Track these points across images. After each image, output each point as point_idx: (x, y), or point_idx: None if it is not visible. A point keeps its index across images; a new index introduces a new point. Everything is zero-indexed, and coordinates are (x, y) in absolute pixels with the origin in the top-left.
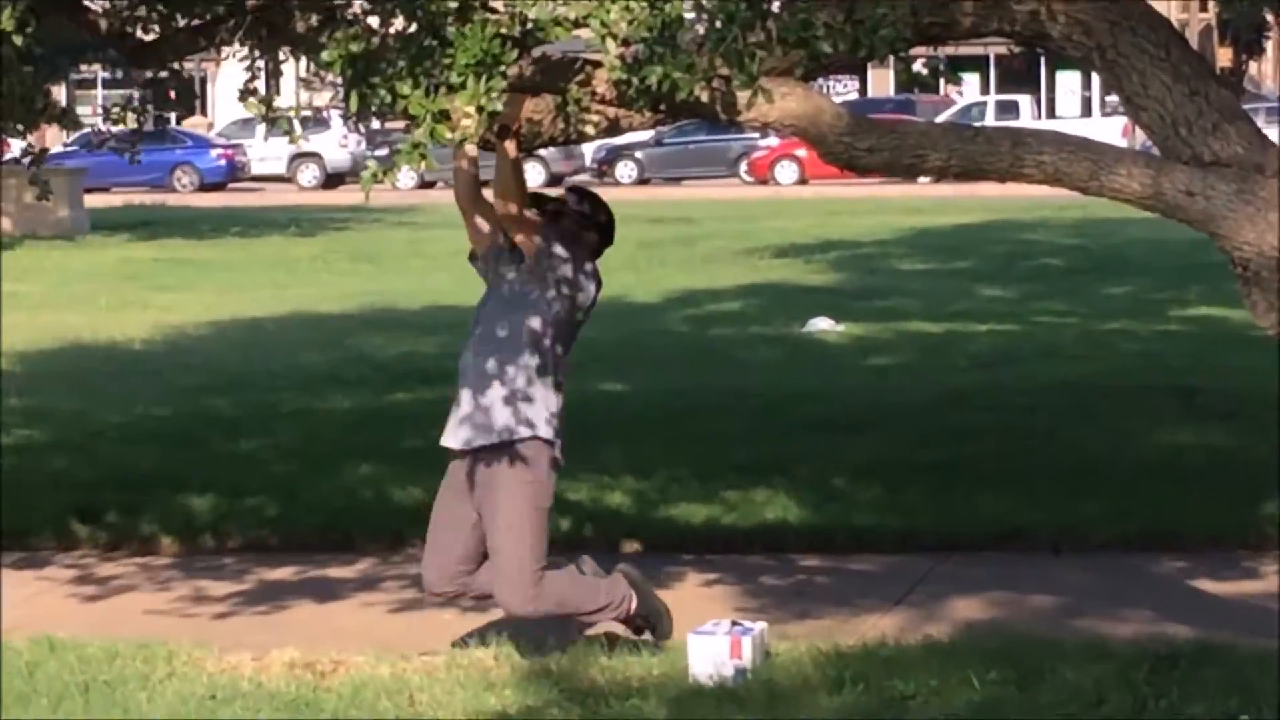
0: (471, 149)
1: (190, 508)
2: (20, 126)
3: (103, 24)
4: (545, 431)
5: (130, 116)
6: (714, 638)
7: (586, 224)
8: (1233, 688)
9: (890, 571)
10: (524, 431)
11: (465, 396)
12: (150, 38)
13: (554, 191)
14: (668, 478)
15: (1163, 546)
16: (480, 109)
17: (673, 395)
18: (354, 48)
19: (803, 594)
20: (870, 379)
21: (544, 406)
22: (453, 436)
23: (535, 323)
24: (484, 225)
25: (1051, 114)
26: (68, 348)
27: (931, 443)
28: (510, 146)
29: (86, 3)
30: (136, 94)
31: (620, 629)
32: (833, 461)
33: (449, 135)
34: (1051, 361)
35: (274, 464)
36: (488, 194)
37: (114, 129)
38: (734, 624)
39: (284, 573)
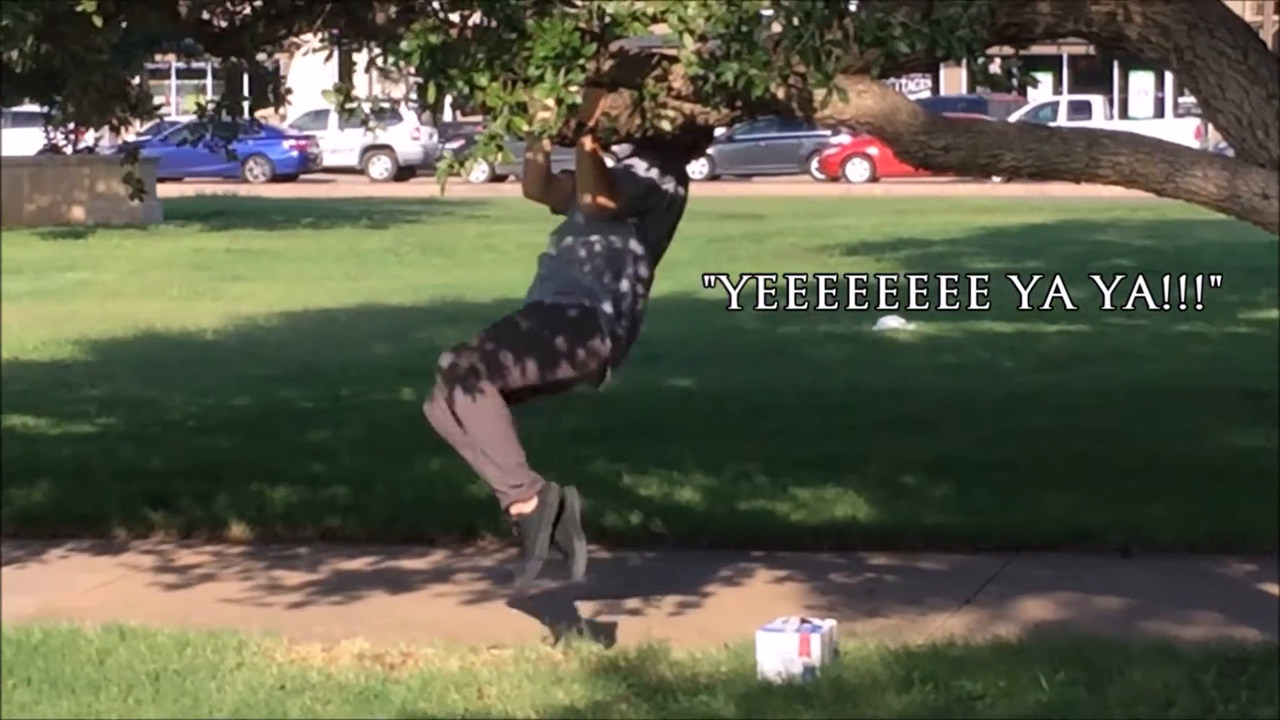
0: (546, 144)
1: (264, 497)
2: (113, 121)
3: (183, 11)
4: (608, 307)
5: (224, 112)
6: (783, 635)
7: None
8: None
9: (959, 571)
10: (588, 302)
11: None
12: (230, 26)
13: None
14: (737, 474)
15: (1232, 549)
16: (559, 101)
17: (742, 392)
18: (433, 39)
19: (872, 592)
20: (940, 378)
21: (615, 300)
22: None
23: (632, 244)
24: (561, 194)
25: (1124, 114)
26: (140, 336)
27: (1001, 442)
28: (588, 141)
29: None
30: (219, 92)
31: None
32: (902, 460)
33: (526, 127)
34: (1122, 362)
35: (345, 455)
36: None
37: (207, 123)
38: (803, 621)
39: (358, 563)
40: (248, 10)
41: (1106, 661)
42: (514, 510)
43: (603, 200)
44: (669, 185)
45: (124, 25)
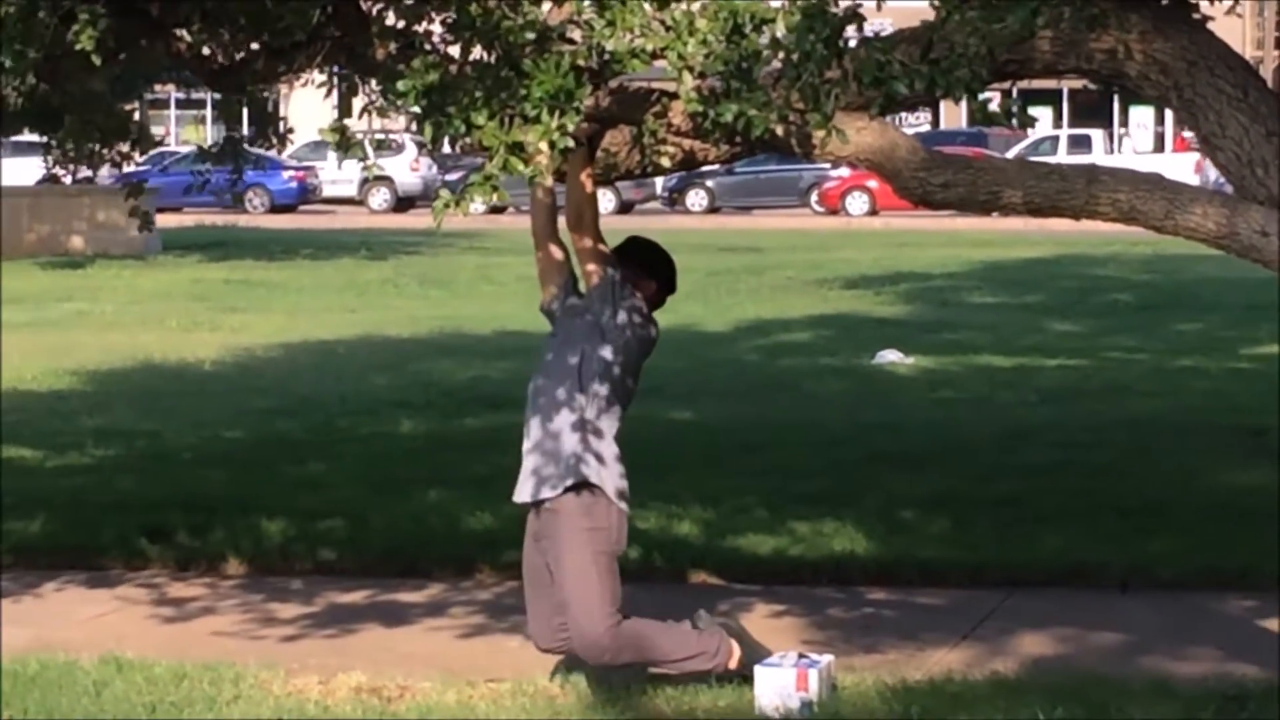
0: (548, 181)
1: (260, 530)
2: (116, 157)
3: (183, 47)
4: (611, 489)
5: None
6: (780, 670)
7: (646, 273)
8: None
9: (957, 606)
10: (587, 481)
11: (531, 454)
12: (230, 61)
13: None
14: (735, 508)
15: (1230, 585)
16: (552, 145)
17: (741, 425)
18: (430, 78)
19: (869, 627)
20: (939, 412)
21: (610, 459)
22: (519, 491)
23: (598, 371)
24: (556, 260)
25: (1124, 148)
26: (138, 367)
27: (999, 477)
28: (586, 180)
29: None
30: (220, 125)
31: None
32: (900, 494)
33: (522, 168)
34: (1121, 398)
35: (343, 487)
36: (562, 224)
37: (208, 171)
38: (801, 656)
39: (354, 596)
40: (248, 46)
41: (1104, 698)
42: (733, 667)
43: (586, 240)
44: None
45: (124, 60)
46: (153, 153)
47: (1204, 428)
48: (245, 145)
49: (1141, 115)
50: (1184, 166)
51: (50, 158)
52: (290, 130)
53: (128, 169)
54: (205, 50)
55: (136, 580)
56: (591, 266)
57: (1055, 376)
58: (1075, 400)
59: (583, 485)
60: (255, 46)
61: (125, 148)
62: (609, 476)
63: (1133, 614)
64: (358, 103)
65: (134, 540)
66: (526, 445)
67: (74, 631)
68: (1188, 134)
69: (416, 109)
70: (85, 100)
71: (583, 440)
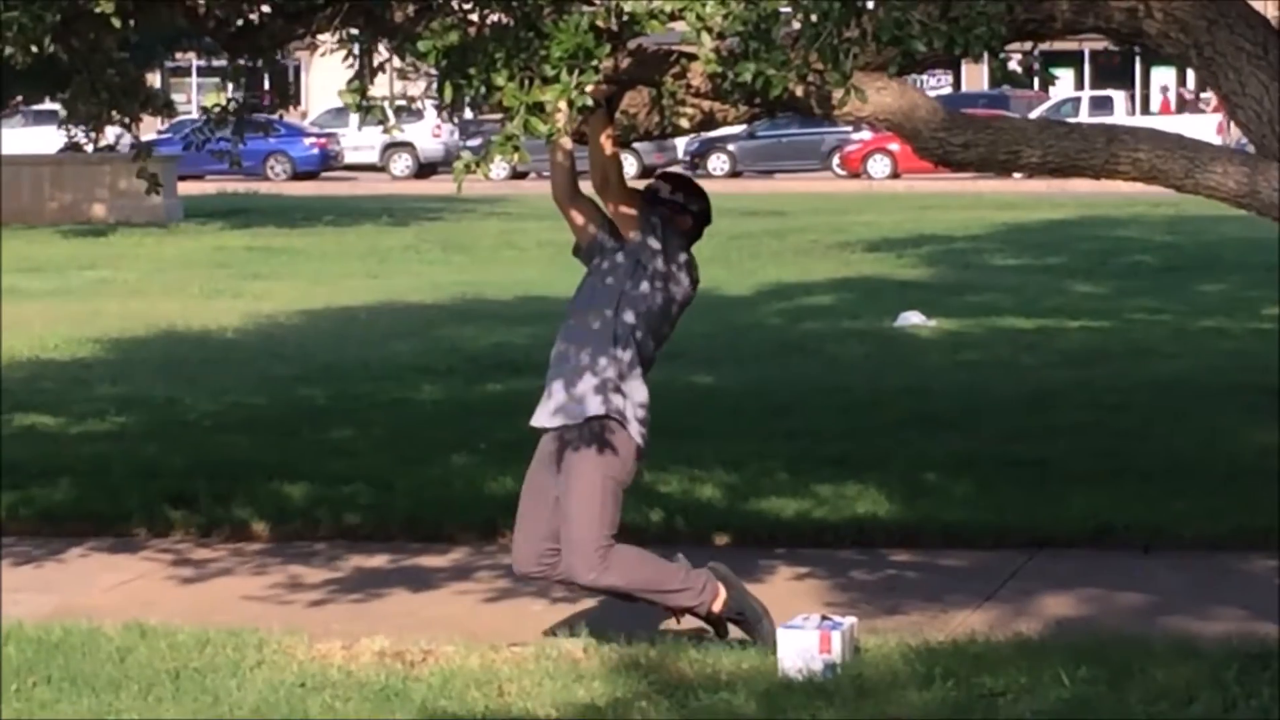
0: (567, 142)
1: (284, 495)
2: (125, 119)
3: (201, 10)
4: (632, 422)
5: (230, 118)
6: (804, 632)
7: (680, 210)
8: None
9: (980, 567)
10: (609, 413)
11: (555, 383)
12: (247, 24)
13: (644, 182)
14: (758, 471)
15: (1254, 545)
16: (570, 103)
17: (764, 388)
18: (451, 38)
19: (893, 589)
20: (961, 375)
21: (633, 398)
22: (540, 416)
23: (629, 315)
24: (581, 219)
25: (1145, 110)
26: (161, 335)
27: (1022, 439)
28: (606, 142)
29: None
30: (233, 94)
31: (703, 625)
32: (923, 457)
33: (543, 128)
34: (1144, 359)
35: (366, 453)
36: (585, 186)
37: (214, 129)
38: (824, 618)
39: (378, 561)
40: (265, 9)
41: (1128, 658)
42: (717, 610)
43: (610, 202)
44: (676, 261)
45: (141, 23)
46: (173, 120)
47: (1227, 388)
48: (253, 111)
49: (1163, 76)
50: (1206, 127)
51: (64, 123)
52: (294, 96)
53: (146, 135)
54: (221, 13)
55: (160, 546)
56: (619, 230)
57: (1078, 338)
58: (1098, 362)
59: (605, 417)
60: (272, 9)
61: (135, 109)
62: (633, 428)
63: (1156, 574)
64: (378, 63)
65: (158, 507)
66: (549, 407)
67: (98, 598)
68: (1190, 94)
69: (435, 70)
70: (94, 62)
71: (605, 401)
